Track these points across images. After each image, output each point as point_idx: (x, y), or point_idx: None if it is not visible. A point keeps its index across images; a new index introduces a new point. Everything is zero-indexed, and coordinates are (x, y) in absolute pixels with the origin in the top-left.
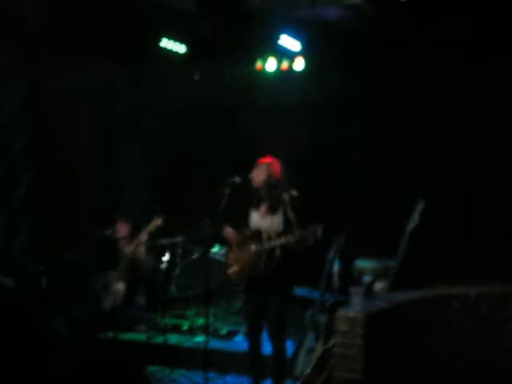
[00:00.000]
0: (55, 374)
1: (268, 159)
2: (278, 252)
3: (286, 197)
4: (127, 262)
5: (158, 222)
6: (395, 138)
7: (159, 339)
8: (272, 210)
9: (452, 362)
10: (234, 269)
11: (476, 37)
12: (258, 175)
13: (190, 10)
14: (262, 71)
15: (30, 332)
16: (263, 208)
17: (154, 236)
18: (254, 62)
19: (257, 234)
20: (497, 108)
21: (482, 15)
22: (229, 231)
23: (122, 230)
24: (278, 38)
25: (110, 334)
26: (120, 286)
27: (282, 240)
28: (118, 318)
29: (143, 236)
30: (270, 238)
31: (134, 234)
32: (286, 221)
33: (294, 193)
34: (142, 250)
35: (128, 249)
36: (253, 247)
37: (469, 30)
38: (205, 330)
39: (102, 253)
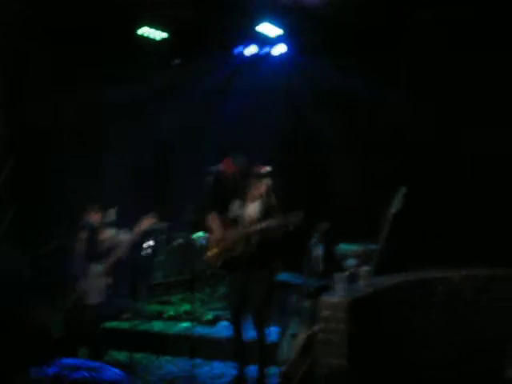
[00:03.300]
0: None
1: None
2: (258, 236)
3: (267, 181)
4: (109, 251)
5: (151, 220)
6: (379, 121)
7: (144, 326)
8: (253, 197)
9: (438, 343)
10: (213, 251)
11: (463, 19)
12: (229, 168)
13: None
14: (243, 56)
15: (14, 323)
16: (244, 195)
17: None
18: (234, 47)
19: (238, 220)
20: (482, 98)
21: None
22: (211, 216)
23: (96, 218)
24: (257, 24)
25: (96, 324)
26: (105, 281)
27: (263, 224)
28: (102, 310)
29: (134, 236)
30: (251, 223)
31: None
32: (268, 206)
33: (268, 168)
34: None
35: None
36: (233, 231)
37: (452, 13)
38: (190, 315)
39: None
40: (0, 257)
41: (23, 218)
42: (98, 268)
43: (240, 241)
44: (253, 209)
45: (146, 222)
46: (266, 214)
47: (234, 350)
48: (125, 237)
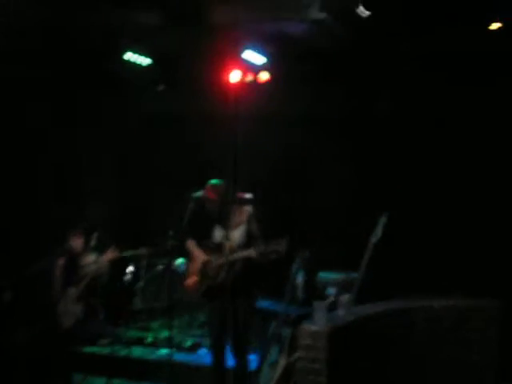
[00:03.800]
0: None
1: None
2: (238, 265)
3: (249, 209)
4: (87, 277)
5: (112, 255)
6: (361, 152)
7: (123, 352)
8: (234, 224)
9: (418, 373)
10: (192, 279)
11: (441, 51)
12: (211, 195)
13: (155, 23)
14: (227, 83)
15: None
16: (226, 222)
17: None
18: (218, 74)
19: (219, 247)
20: (465, 121)
21: (447, 29)
22: (191, 244)
23: (77, 243)
24: (242, 52)
25: (74, 349)
26: (77, 309)
27: (244, 253)
28: (80, 332)
29: (100, 265)
30: (232, 251)
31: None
32: (250, 234)
33: (249, 195)
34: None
35: (87, 263)
36: (214, 259)
37: (432, 45)
38: (169, 342)
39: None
40: None
41: (4, 242)
42: (72, 292)
43: (221, 269)
44: (234, 236)
45: (109, 255)
46: (247, 241)
47: (213, 377)
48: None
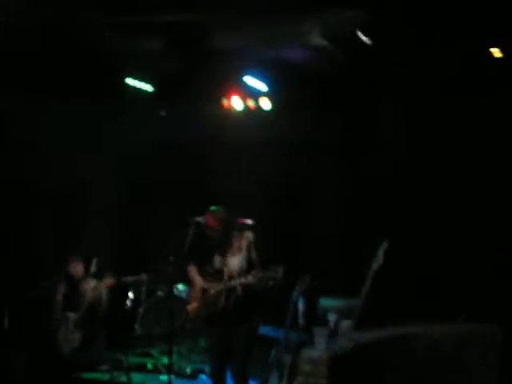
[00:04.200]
0: None
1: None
2: (238, 291)
3: (249, 235)
4: (87, 303)
5: (109, 281)
6: (363, 178)
7: (123, 378)
8: (234, 251)
9: None
10: (193, 305)
11: (449, 74)
12: (211, 221)
13: (155, 49)
14: (229, 110)
15: None
16: (226, 249)
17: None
18: (220, 100)
19: (219, 273)
20: (470, 145)
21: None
22: (192, 269)
23: (77, 269)
24: (243, 78)
25: (74, 375)
26: (76, 335)
27: (243, 279)
28: (80, 358)
29: (98, 292)
30: (230, 277)
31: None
32: (249, 260)
33: (249, 221)
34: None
35: (87, 289)
36: (213, 286)
37: (437, 69)
38: (169, 369)
39: (66, 292)
40: None
41: (3, 269)
42: (73, 318)
43: (220, 295)
44: (234, 263)
45: (107, 281)
46: (247, 268)
47: None
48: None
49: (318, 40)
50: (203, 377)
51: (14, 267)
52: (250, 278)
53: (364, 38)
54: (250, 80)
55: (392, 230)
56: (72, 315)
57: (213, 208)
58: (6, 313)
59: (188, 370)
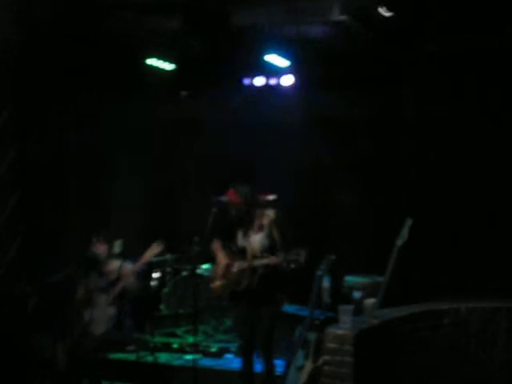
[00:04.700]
0: None
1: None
2: (261, 271)
3: (271, 213)
4: (120, 283)
5: (156, 249)
6: (384, 154)
7: (149, 358)
8: (257, 229)
9: (445, 377)
10: (216, 283)
11: (470, 50)
12: (234, 198)
13: (175, 28)
14: (251, 87)
15: (17, 356)
16: (249, 226)
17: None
18: (241, 78)
19: (242, 252)
20: (490, 125)
21: (475, 28)
22: (216, 245)
23: (101, 249)
24: (265, 56)
25: (101, 356)
26: (111, 311)
27: (265, 260)
28: (107, 339)
29: (139, 265)
30: (254, 256)
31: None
32: (271, 238)
33: (272, 196)
34: (128, 277)
35: (112, 270)
36: (236, 264)
37: (462, 44)
38: (195, 348)
39: (89, 274)
40: (5, 287)
41: (29, 249)
42: (103, 298)
43: (243, 274)
44: (256, 240)
45: (151, 252)
46: (269, 245)
47: (241, 382)
48: (130, 268)
49: (338, 16)
50: (229, 356)
51: (40, 249)
52: (272, 260)
53: (386, 13)
54: (272, 58)
55: (416, 207)
56: (103, 296)
57: (235, 185)
58: (32, 294)
59: (214, 349)
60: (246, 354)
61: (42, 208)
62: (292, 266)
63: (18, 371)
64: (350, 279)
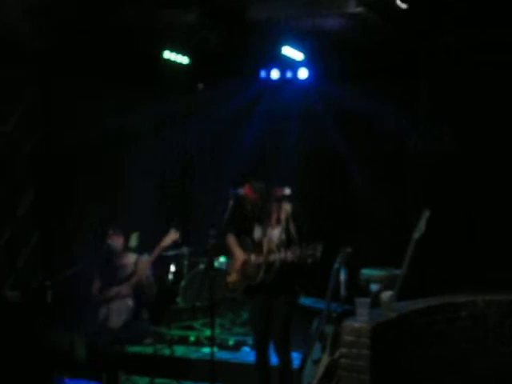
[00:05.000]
0: None
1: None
2: (277, 264)
3: (288, 207)
4: (131, 276)
5: (173, 236)
6: (401, 145)
7: (166, 351)
8: (273, 223)
9: (462, 370)
10: (232, 277)
11: (486, 42)
12: (250, 193)
13: (192, 21)
14: (266, 80)
15: (35, 347)
16: (265, 221)
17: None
18: (258, 71)
19: (258, 246)
20: (507, 116)
21: (491, 20)
22: (231, 239)
23: (117, 242)
24: (280, 48)
25: (118, 348)
26: (128, 304)
27: (282, 255)
28: (124, 332)
29: (157, 251)
30: (270, 251)
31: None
32: (288, 232)
33: (287, 190)
34: (145, 267)
35: (128, 264)
36: (253, 259)
37: (478, 36)
38: (211, 341)
39: (106, 266)
40: (24, 280)
41: (46, 243)
42: (119, 292)
43: (259, 268)
44: (273, 234)
45: (169, 238)
46: (285, 240)
47: (257, 376)
48: (146, 260)
49: (354, 8)
50: (246, 349)
51: (58, 241)
52: (289, 255)
53: (401, 5)
54: (288, 50)
55: (434, 199)
56: (119, 288)
57: (251, 181)
58: (50, 287)
59: (231, 343)
60: (260, 347)
61: (60, 201)
62: (309, 260)
63: (36, 362)
64: (366, 272)
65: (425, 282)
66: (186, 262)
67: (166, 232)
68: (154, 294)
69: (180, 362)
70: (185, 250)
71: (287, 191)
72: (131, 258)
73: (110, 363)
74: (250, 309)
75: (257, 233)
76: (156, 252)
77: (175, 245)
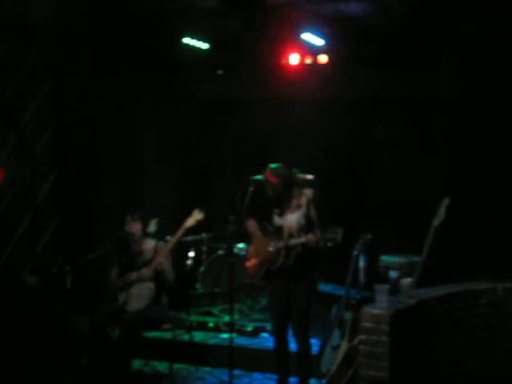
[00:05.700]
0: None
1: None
2: (297, 250)
3: (308, 192)
4: (150, 261)
5: (198, 216)
6: (420, 133)
7: (185, 337)
8: (294, 208)
9: (481, 357)
10: (252, 262)
11: (505, 30)
12: (271, 178)
13: (212, 7)
14: (286, 66)
15: (54, 332)
16: (285, 205)
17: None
18: (277, 57)
19: (278, 231)
20: None
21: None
22: (252, 224)
23: (136, 228)
24: (301, 34)
25: (137, 334)
26: (146, 289)
27: (302, 239)
28: (143, 318)
29: (180, 232)
30: (290, 235)
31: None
32: (308, 217)
33: (310, 176)
34: (168, 248)
35: (146, 250)
36: (273, 243)
37: (497, 23)
38: (230, 327)
39: (125, 252)
40: (44, 265)
41: (66, 228)
42: (137, 277)
43: (279, 253)
44: (293, 219)
45: (193, 219)
46: (306, 225)
47: (276, 361)
48: (166, 246)
49: None
50: (265, 335)
51: (75, 227)
52: (309, 238)
53: None
54: (308, 36)
55: (453, 186)
56: (135, 273)
57: (271, 166)
58: (69, 273)
59: (249, 329)
60: (279, 333)
61: (79, 187)
62: (329, 244)
63: (55, 347)
64: (386, 259)
65: (444, 269)
66: (204, 248)
67: (188, 214)
68: (173, 279)
69: (199, 348)
70: (204, 235)
71: (309, 176)
72: (150, 243)
73: (127, 347)
74: (268, 295)
75: (277, 218)
76: (179, 233)
77: (200, 225)
